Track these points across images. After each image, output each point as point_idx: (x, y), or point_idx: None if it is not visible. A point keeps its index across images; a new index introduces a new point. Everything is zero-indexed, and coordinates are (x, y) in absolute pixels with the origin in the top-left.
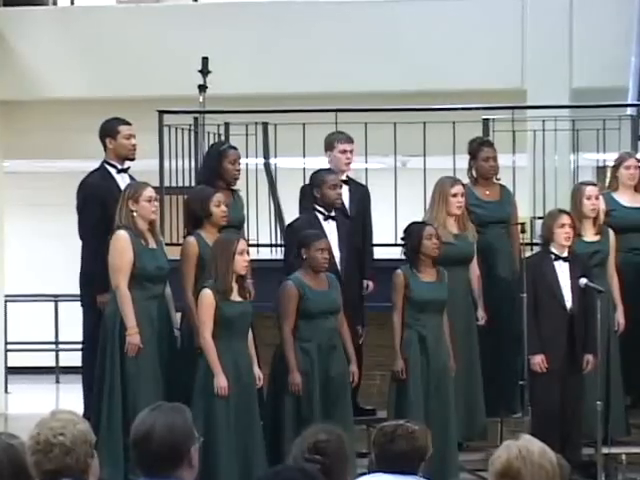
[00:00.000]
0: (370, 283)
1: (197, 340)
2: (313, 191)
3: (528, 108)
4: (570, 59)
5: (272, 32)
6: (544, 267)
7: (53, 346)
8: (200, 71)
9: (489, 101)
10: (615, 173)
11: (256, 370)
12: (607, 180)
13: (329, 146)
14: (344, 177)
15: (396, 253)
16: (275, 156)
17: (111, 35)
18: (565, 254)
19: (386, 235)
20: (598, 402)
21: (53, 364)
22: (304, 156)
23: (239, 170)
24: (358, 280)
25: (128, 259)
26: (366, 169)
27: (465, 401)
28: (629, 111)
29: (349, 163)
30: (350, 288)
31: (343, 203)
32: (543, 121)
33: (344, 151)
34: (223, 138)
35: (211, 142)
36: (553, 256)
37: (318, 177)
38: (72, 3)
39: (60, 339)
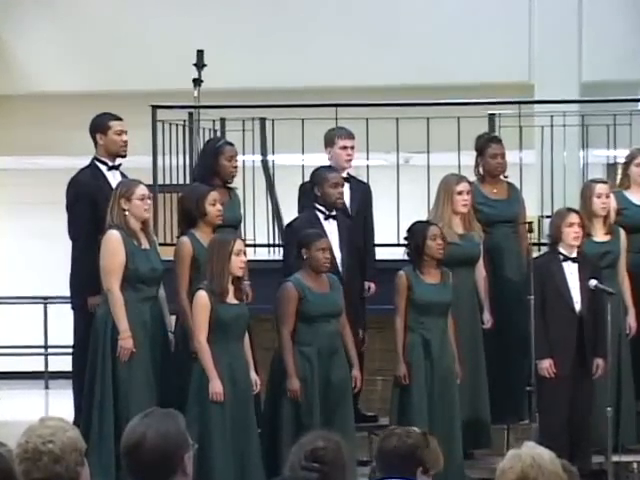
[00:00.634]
0: (372, 285)
1: (191, 344)
2: (314, 189)
3: (536, 103)
4: (579, 52)
5: (270, 24)
6: (552, 268)
7: (42, 350)
8: (195, 64)
9: (495, 95)
10: (626, 170)
11: (253, 375)
12: (618, 178)
13: (329, 142)
14: (345, 174)
15: (399, 254)
16: (273, 153)
17: (102, 26)
18: (574, 254)
19: (388, 235)
20: (608, 408)
21: (42, 369)
22: (303, 153)
23: (236, 167)
24: (359, 282)
25: (120, 260)
26: (367, 166)
27: (470, 407)
28: None
29: (350, 160)
30: (351, 290)
31: (344, 202)
32: (551, 116)
33: (344, 147)
34: (219, 134)
35: (206, 138)
36: (561, 257)
37: (319, 175)
38: None
39: (49, 343)
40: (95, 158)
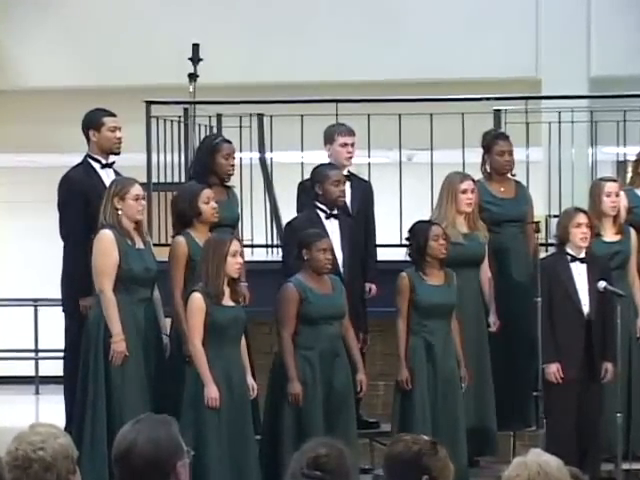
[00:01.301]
0: (373, 286)
1: (186, 348)
2: (314, 187)
3: (543, 98)
4: (588, 46)
5: (268, 16)
6: (559, 269)
7: (32, 354)
8: (190, 59)
9: (501, 91)
10: (637, 168)
11: (249, 380)
12: (628, 176)
13: (329, 139)
14: (345, 172)
15: (401, 254)
16: (271, 150)
17: (95, 20)
18: (582, 255)
19: (390, 235)
20: (618, 414)
21: (32, 373)
22: (302, 150)
23: (233, 165)
24: (360, 283)
25: (113, 260)
26: (369, 164)
27: (475, 413)
28: None
29: (350, 157)
30: (352, 292)
31: (345, 201)
32: (559, 112)
33: (345, 144)
34: (215, 131)
35: (202, 135)
36: (569, 257)
37: (320, 172)
38: None
39: (40, 347)
40: (88, 155)
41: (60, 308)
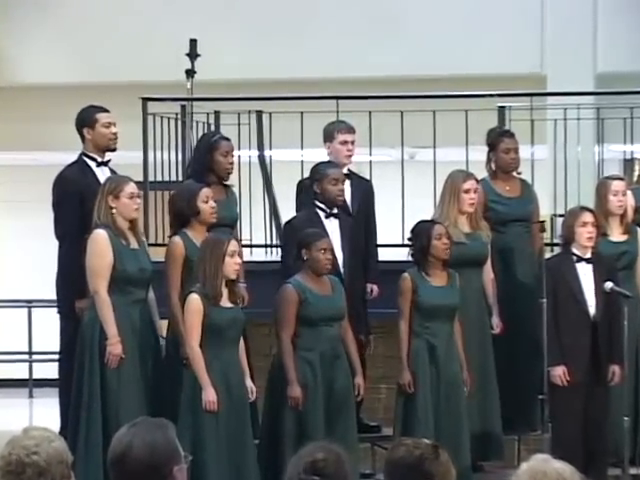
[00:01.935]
0: (374, 287)
1: (183, 350)
2: (313, 186)
3: (548, 95)
4: (594, 41)
5: (267, 11)
6: (565, 270)
7: (26, 357)
8: (188, 54)
9: (505, 87)
10: None
11: (248, 383)
12: (635, 174)
13: (329, 137)
14: (345, 171)
15: (403, 254)
16: (270, 148)
17: (91, 15)
18: (588, 255)
19: (392, 235)
20: (625, 417)
21: (26, 376)
22: (302, 148)
23: (232, 163)
24: (361, 284)
25: (108, 261)
26: (370, 162)
27: (479, 417)
28: None
29: (350, 155)
30: (353, 292)
31: (345, 200)
32: (565, 109)
33: (345, 142)
34: (213, 128)
35: (200, 132)
36: (575, 257)
37: (319, 171)
38: None
39: (34, 349)
40: (83, 153)
41: (55, 309)
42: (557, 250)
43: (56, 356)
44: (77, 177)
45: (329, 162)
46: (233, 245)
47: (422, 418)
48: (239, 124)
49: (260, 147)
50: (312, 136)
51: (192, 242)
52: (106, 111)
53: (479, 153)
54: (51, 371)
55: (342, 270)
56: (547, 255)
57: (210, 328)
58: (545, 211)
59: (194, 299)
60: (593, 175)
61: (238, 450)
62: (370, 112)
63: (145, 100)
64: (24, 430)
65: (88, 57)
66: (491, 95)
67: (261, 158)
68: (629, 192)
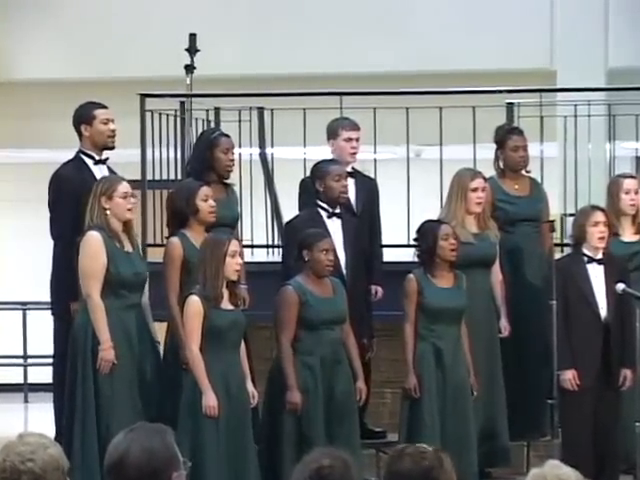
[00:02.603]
0: (379, 289)
1: (182, 354)
2: (315, 184)
3: (558, 91)
4: (605, 36)
5: (268, 5)
6: (575, 270)
7: (21, 360)
8: (187, 49)
9: (514, 83)
10: None
11: (249, 387)
12: None
13: (332, 134)
14: (349, 169)
15: (408, 255)
16: (272, 145)
17: (88, 10)
18: (599, 256)
19: (397, 235)
20: (637, 423)
21: (21, 381)
22: (304, 145)
23: (232, 160)
24: (365, 286)
25: (100, 264)
26: (374, 160)
27: (486, 422)
28: None
29: (355, 153)
30: (356, 295)
31: (349, 199)
32: (575, 106)
33: (349, 139)
34: (213, 125)
35: (200, 130)
36: (586, 258)
37: (320, 168)
38: None
39: (29, 352)
40: (80, 151)
41: (50, 312)
42: (567, 250)
43: (51, 360)
44: (73, 175)
45: (330, 159)
46: (234, 245)
47: (428, 423)
48: (240, 121)
49: (261, 145)
50: (315, 133)
51: (190, 243)
52: (104, 107)
53: (487, 151)
54: (46, 375)
55: (344, 271)
56: (557, 256)
57: (210, 331)
58: (555, 210)
59: (194, 301)
60: (604, 173)
61: (239, 456)
62: (375, 109)
63: (143, 96)
64: (19, 436)
65: (86, 52)
66: (499, 91)
67: (262, 156)
68: None
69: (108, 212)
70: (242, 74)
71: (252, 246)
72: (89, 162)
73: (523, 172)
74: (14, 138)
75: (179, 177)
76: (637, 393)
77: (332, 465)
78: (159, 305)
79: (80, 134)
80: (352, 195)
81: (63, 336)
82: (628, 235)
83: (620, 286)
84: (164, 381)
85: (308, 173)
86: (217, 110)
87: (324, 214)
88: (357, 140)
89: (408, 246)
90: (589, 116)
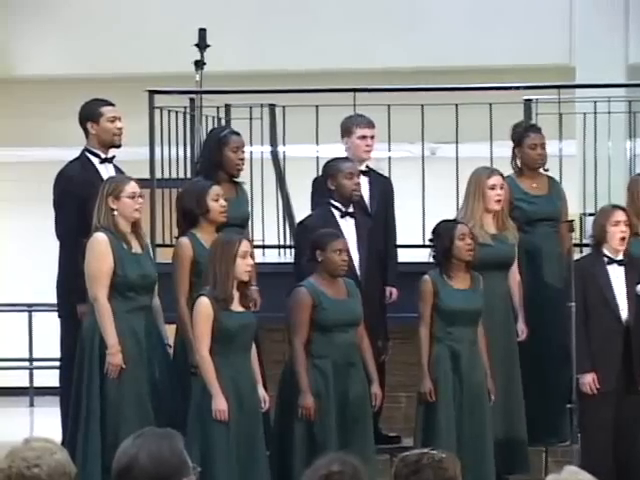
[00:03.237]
0: (393, 291)
1: (192, 357)
2: (327, 183)
3: (577, 87)
4: (626, 30)
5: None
6: (595, 272)
7: (26, 364)
8: (197, 45)
9: (532, 79)
10: None
11: (260, 391)
12: None
13: (346, 131)
14: (364, 167)
15: (424, 256)
16: (284, 143)
17: (93, 3)
18: (620, 257)
19: (412, 235)
20: None
21: (26, 384)
22: (317, 143)
23: (243, 159)
24: (380, 287)
25: (107, 266)
26: (389, 158)
27: (504, 427)
28: None
29: (369, 151)
30: (370, 296)
31: (362, 198)
32: (595, 102)
33: (364, 137)
34: (223, 122)
35: (209, 127)
36: (606, 259)
37: (332, 166)
38: None
39: (35, 355)
40: (86, 149)
41: (56, 314)
42: (587, 251)
43: (57, 363)
44: (79, 174)
45: (343, 157)
46: (245, 246)
47: (444, 428)
48: (251, 118)
49: (273, 142)
50: (328, 131)
51: (200, 243)
52: (111, 105)
53: (504, 149)
54: (53, 379)
55: (358, 272)
56: (576, 256)
57: (220, 333)
58: (574, 210)
59: (203, 303)
60: (624, 172)
61: (249, 461)
62: (389, 105)
63: (152, 93)
64: (25, 441)
65: (92, 48)
66: (517, 87)
67: (274, 154)
68: None
69: (116, 213)
70: (253, 70)
71: (263, 246)
72: (95, 161)
73: (541, 171)
74: (18, 136)
75: (189, 176)
76: None
77: (342, 471)
78: (168, 307)
79: (86, 132)
80: (366, 194)
81: (70, 339)
82: None
83: None
84: (174, 385)
85: (321, 171)
86: (227, 107)
87: (337, 213)
88: (372, 138)
89: (423, 246)
90: (609, 113)
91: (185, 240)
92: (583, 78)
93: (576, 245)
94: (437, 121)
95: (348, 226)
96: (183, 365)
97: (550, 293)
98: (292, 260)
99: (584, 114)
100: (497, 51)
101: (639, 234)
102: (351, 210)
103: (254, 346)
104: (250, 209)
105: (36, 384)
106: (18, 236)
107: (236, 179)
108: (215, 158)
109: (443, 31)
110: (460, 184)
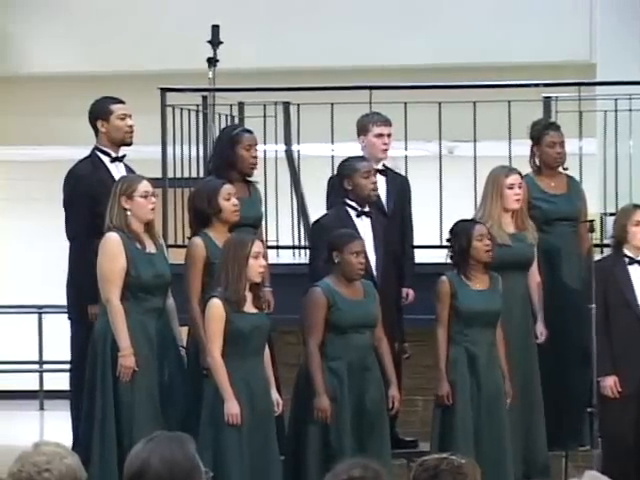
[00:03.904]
0: (410, 292)
1: (203, 359)
2: (342, 183)
3: (598, 85)
4: None
5: None
6: (616, 273)
7: (36, 366)
8: (209, 41)
9: (551, 76)
10: None
11: (274, 394)
12: None
13: (363, 130)
14: (380, 166)
15: (441, 256)
16: (298, 142)
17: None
18: None
19: (429, 235)
20: None
21: (36, 387)
22: (332, 142)
23: (256, 158)
24: (396, 288)
25: (120, 266)
26: (406, 157)
27: (523, 431)
28: None
29: (386, 149)
30: (387, 298)
31: (379, 197)
32: (615, 100)
33: (380, 135)
34: (237, 121)
35: (222, 125)
36: (627, 259)
37: (348, 165)
38: None
39: (44, 358)
40: (96, 148)
41: (66, 316)
42: (607, 252)
43: (68, 365)
44: (89, 173)
45: (359, 156)
46: (257, 246)
47: (461, 432)
48: (265, 116)
49: (287, 141)
50: (343, 129)
51: (214, 243)
52: (121, 102)
53: (523, 147)
54: (63, 382)
55: (374, 273)
56: (596, 257)
57: (233, 335)
58: (594, 209)
59: (216, 304)
60: None
61: (262, 466)
62: (405, 103)
63: (164, 91)
64: (34, 445)
65: (103, 45)
66: (536, 85)
67: (288, 153)
68: None
69: (129, 213)
70: (267, 67)
71: (277, 247)
72: (105, 159)
73: (560, 169)
74: (27, 135)
75: (201, 175)
76: None
77: (363, 476)
78: (180, 308)
79: (96, 130)
80: (383, 193)
81: (81, 341)
82: None
83: None
84: (187, 388)
85: (336, 170)
86: (241, 105)
87: (353, 213)
88: (389, 136)
89: (441, 247)
90: (630, 110)
91: (198, 240)
92: (604, 75)
93: (596, 245)
94: (455, 119)
95: (364, 226)
96: (195, 368)
97: (569, 294)
98: (306, 261)
99: (605, 112)
100: (516, 48)
101: None
102: (367, 209)
103: (267, 349)
104: (264, 209)
105: (46, 387)
106: (26, 236)
107: (249, 178)
108: (228, 157)
109: (461, 28)
110: (478, 183)
